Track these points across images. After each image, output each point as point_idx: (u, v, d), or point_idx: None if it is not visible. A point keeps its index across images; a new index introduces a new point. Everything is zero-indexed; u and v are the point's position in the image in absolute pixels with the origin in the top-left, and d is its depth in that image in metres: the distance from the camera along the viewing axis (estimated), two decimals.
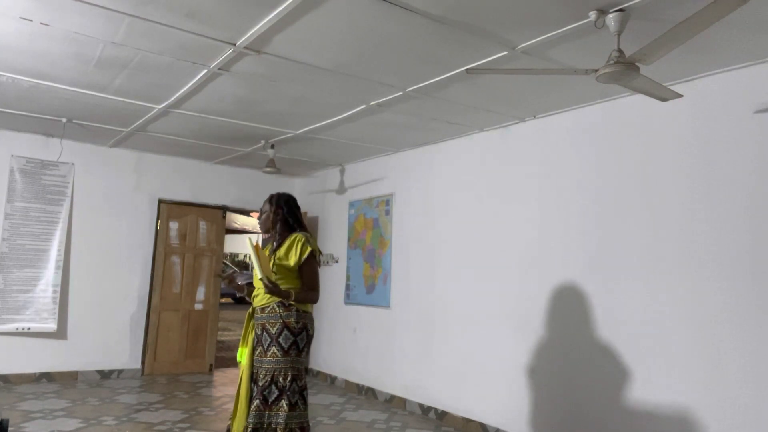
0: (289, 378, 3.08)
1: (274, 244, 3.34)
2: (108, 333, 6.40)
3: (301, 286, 3.23)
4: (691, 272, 3.50)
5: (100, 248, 6.42)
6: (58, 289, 6.09)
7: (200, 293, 7.03)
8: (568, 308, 4.17)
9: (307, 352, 3.23)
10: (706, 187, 3.48)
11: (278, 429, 3.02)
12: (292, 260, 3.19)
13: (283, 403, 3.05)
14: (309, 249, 3.20)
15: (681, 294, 3.53)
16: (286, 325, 3.12)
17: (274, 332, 3.13)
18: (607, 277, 3.95)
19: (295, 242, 3.23)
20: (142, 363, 6.60)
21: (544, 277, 4.38)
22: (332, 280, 7.00)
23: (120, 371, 6.44)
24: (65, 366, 6.13)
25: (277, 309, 3.14)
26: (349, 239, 6.77)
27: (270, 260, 3.23)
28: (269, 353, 3.11)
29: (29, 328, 5.91)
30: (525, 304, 4.50)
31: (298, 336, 3.14)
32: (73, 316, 6.19)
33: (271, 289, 3.07)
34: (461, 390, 4.96)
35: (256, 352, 3.18)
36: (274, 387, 3.07)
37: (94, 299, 6.33)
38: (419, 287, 5.60)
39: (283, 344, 3.10)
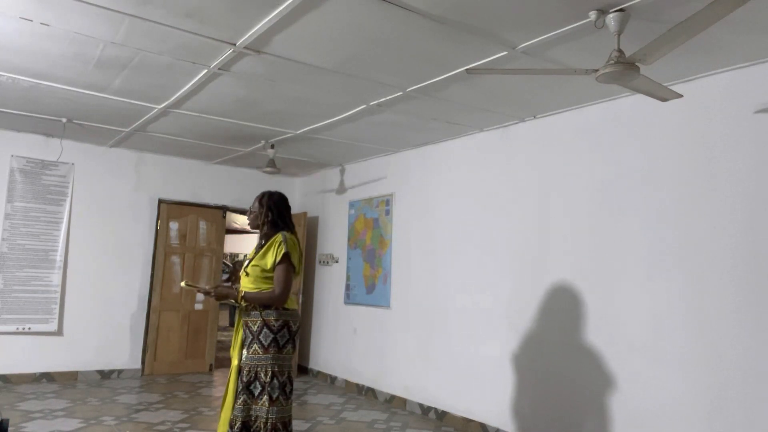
0: (269, 374, 3.16)
1: (261, 243, 3.40)
2: (108, 333, 6.40)
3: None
4: (690, 272, 3.50)
5: (100, 248, 6.42)
6: (58, 289, 6.10)
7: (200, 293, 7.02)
8: (568, 309, 4.17)
9: (292, 348, 3.28)
10: (705, 187, 3.48)
11: (260, 423, 3.13)
12: (269, 262, 3.24)
13: (265, 398, 3.15)
14: (283, 251, 3.22)
15: (680, 294, 3.53)
16: (265, 323, 3.21)
17: (255, 330, 3.22)
18: (607, 277, 3.95)
19: (274, 243, 3.28)
20: (142, 363, 6.60)
21: (544, 277, 4.38)
22: (332, 280, 7.00)
23: (120, 371, 6.44)
24: (65, 366, 6.13)
25: (258, 307, 3.23)
26: (349, 239, 6.77)
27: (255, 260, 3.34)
28: (251, 350, 3.22)
29: (29, 328, 5.92)
30: (525, 303, 4.50)
31: (278, 333, 3.21)
32: (73, 316, 6.19)
33: (219, 294, 3.29)
34: (461, 390, 4.96)
35: (243, 349, 3.27)
36: (257, 382, 3.18)
37: (94, 299, 6.33)
38: (419, 287, 5.60)
39: (263, 342, 3.19)
